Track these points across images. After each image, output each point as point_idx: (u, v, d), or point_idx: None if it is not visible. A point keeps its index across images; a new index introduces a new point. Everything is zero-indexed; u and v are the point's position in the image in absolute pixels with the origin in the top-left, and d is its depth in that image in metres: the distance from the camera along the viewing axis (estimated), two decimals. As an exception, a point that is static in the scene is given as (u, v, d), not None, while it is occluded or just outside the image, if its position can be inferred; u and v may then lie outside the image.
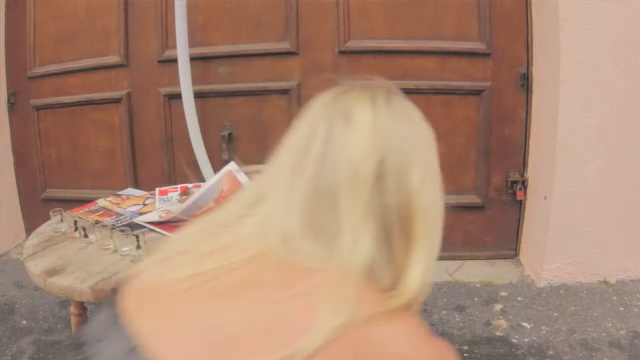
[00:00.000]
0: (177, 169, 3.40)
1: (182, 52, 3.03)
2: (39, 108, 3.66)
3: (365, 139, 0.90)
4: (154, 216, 1.91)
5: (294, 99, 3.23)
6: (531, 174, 3.19)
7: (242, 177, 2.19)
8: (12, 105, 3.73)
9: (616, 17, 2.69)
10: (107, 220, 1.93)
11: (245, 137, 3.34)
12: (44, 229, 1.95)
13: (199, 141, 3.18)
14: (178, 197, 2.09)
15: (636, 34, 2.72)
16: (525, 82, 3.11)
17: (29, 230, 3.83)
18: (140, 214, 1.96)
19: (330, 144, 0.91)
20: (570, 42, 2.74)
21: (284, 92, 3.24)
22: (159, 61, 3.32)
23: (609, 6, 2.68)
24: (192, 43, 3.17)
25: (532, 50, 3.09)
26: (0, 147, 3.71)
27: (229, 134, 3.32)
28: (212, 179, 2.06)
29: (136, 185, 3.37)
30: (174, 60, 3.11)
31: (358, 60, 3.13)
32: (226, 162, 3.17)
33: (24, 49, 3.64)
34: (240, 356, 0.78)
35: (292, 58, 3.21)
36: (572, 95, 2.79)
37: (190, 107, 3.11)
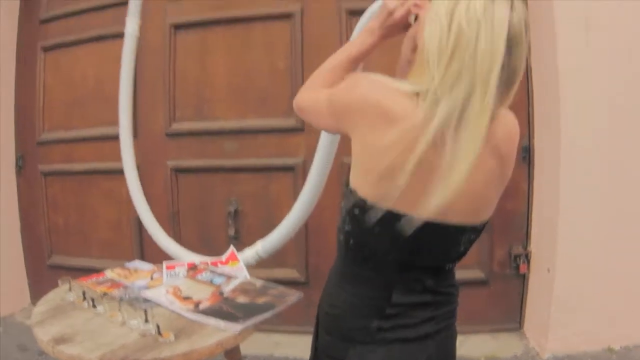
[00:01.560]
0: (184, 243, 3.36)
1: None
2: (47, 174, 3.72)
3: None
4: (161, 291, 1.92)
5: (299, 176, 3.23)
6: (534, 246, 3.20)
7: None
8: (20, 169, 3.80)
9: (618, 90, 2.77)
10: (115, 292, 1.94)
11: (252, 213, 3.35)
12: (52, 297, 1.97)
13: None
14: (185, 274, 2.11)
15: (637, 101, 2.79)
16: (527, 155, 3.16)
17: (33, 295, 3.85)
18: (148, 288, 1.99)
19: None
20: (571, 116, 2.81)
21: (290, 168, 3.27)
22: (167, 134, 3.38)
23: (610, 80, 2.76)
24: (199, 117, 3.28)
25: (533, 124, 3.14)
26: (8, 211, 3.76)
27: (235, 210, 3.33)
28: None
29: (142, 257, 3.39)
30: (181, 134, 3.19)
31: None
32: (232, 238, 3.19)
33: (34, 113, 3.74)
34: None
35: (298, 135, 3.25)
36: (573, 168, 2.84)
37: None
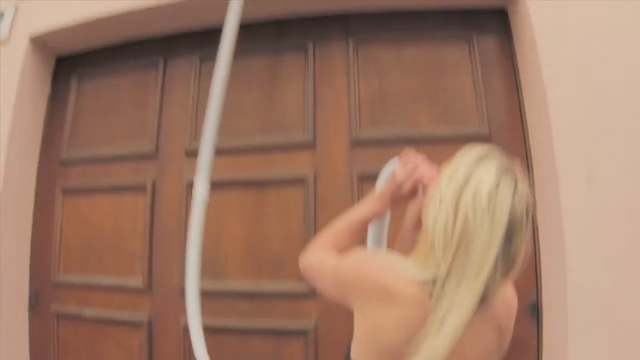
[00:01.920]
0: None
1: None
2: (60, 317, 3.74)
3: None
4: None
5: (310, 342, 3.25)
6: (545, 400, 3.20)
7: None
8: (33, 308, 3.82)
9: (619, 242, 2.80)
10: None
11: (264, 377, 3.34)
12: None
13: None
14: None
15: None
16: (536, 311, 3.17)
17: None
18: None
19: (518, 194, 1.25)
20: (577, 270, 2.84)
21: (302, 333, 3.27)
22: (180, 291, 3.35)
23: (612, 234, 2.80)
24: (213, 276, 3.33)
25: (540, 279, 3.17)
26: (18, 349, 3.76)
27: (247, 374, 3.33)
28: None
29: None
30: (197, 295, 3.21)
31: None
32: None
33: (50, 253, 3.79)
34: None
35: (310, 300, 3.26)
36: (581, 323, 2.85)
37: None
